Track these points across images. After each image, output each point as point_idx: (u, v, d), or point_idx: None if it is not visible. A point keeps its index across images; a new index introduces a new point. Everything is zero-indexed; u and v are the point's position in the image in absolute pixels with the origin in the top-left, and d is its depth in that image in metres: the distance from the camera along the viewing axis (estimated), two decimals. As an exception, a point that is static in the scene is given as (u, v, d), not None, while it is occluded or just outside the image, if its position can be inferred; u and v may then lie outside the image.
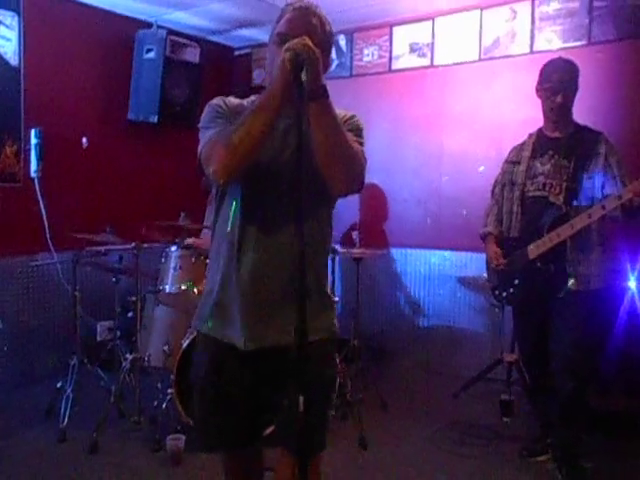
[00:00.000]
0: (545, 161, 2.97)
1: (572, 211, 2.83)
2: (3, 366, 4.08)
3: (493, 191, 3.27)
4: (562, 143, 2.95)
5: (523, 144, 3.12)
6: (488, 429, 3.50)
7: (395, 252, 4.78)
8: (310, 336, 1.49)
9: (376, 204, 4.80)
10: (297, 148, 1.48)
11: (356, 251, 3.95)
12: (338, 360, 1.97)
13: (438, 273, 4.61)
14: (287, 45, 1.57)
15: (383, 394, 3.90)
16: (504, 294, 3.11)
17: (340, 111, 1.72)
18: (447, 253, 4.55)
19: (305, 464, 1.49)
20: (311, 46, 1.55)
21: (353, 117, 1.84)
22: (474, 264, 4.24)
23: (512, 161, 3.13)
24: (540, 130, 3.07)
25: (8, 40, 4.05)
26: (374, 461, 3.19)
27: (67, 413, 3.33)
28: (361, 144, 1.78)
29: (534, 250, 2.92)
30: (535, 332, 3.07)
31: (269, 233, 1.76)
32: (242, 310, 1.76)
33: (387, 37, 4.74)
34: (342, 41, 4.95)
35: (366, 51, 4.84)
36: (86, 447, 3.15)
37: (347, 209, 4.46)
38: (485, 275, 3.28)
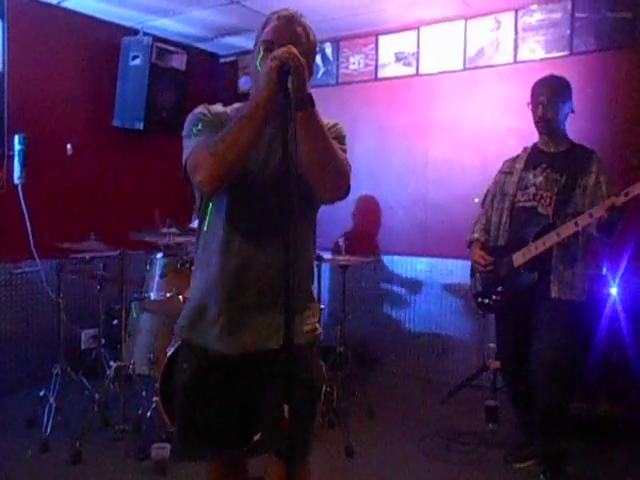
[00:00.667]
0: (537, 173, 3.02)
1: (559, 222, 2.86)
2: (-16, 375, 4.03)
3: (484, 200, 3.31)
4: (555, 158, 3.00)
5: (517, 157, 3.18)
6: (474, 435, 3.50)
7: (382, 259, 4.80)
8: (294, 340, 1.51)
9: (363, 212, 4.81)
10: (283, 157, 1.48)
11: (342, 258, 3.95)
12: (324, 367, 1.97)
13: (424, 280, 4.64)
14: (273, 54, 1.59)
15: (370, 401, 3.89)
16: (486, 301, 3.13)
17: (323, 119, 1.72)
18: (433, 260, 4.57)
19: (292, 470, 1.50)
20: (297, 55, 1.56)
21: (336, 125, 1.86)
22: (460, 271, 4.27)
23: (505, 172, 3.18)
24: (535, 145, 3.14)
25: (-8, 45, 4.02)
26: (360, 469, 3.18)
27: (50, 422, 3.29)
28: (344, 151, 1.81)
29: (519, 258, 2.95)
30: (516, 340, 3.09)
31: (253, 241, 1.78)
32: (225, 316, 1.78)
33: (373, 46, 4.77)
34: (328, 49, 4.98)
35: (352, 59, 4.87)
36: (69, 457, 3.10)
37: (334, 217, 4.47)
38: (470, 280, 3.31)
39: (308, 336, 1.84)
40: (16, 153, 3.99)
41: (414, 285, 4.70)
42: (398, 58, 4.68)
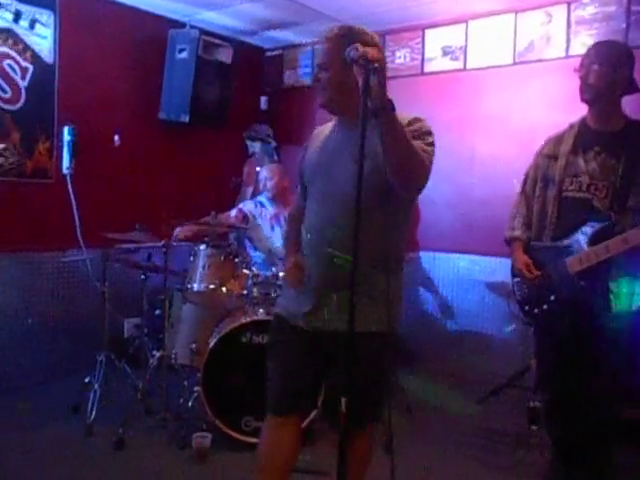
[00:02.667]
0: (590, 158, 2.58)
1: (620, 220, 2.48)
2: (32, 361, 4.14)
3: (523, 187, 2.92)
4: (610, 139, 2.56)
5: (562, 136, 2.74)
6: (515, 437, 3.43)
7: (424, 256, 4.74)
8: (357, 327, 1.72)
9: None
10: (359, 155, 1.56)
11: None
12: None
13: (467, 278, 4.57)
14: (365, 49, 1.62)
15: (408, 398, 3.86)
16: (536, 310, 2.74)
17: (403, 115, 1.80)
18: (476, 257, 4.49)
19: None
20: (382, 56, 1.63)
21: (416, 122, 1.95)
22: (504, 269, 4.15)
23: (548, 155, 2.75)
24: (583, 120, 2.67)
25: (44, 38, 4.11)
26: (398, 465, 3.15)
27: (94, 408, 3.36)
28: (430, 144, 1.94)
29: (575, 264, 2.55)
30: (566, 362, 2.69)
31: (323, 230, 1.99)
32: (306, 295, 2.04)
33: (419, 40, 4.71)
34: (373, 43, 4.93)
35: (398, 53, 4.82)
36: (112, 443, 3.17)
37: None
38: (511, 282, 3.15)
39: (373, 326, 1.95)
40: (65, 144, 4.06)
41: (455, 282, 4.63)
42: (445, 52, 4.61)
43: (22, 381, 4.04)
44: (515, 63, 4.31)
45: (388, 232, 1.98)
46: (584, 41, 4.01)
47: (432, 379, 4.49)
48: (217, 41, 4.76)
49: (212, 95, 4.74)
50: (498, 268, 4.34)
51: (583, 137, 2.63)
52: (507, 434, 3.49)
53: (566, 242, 2.63)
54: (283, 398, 2.13)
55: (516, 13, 4.28)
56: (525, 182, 2.91)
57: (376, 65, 1.56)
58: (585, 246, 2.54)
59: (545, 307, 2.68)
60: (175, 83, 4.66)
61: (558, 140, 2.74)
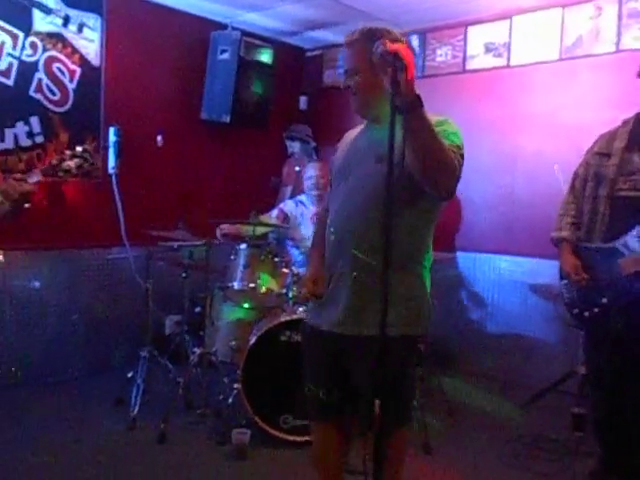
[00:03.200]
0: None
1: None
2: (77, 355, 4.25)
3: (572, 185, 2.84)
4: None
5: (615, 132, 2.66)
6: (559, 444, 3.35)
7: (464, 256, 4.68)
8: (363, 329, 1.87)
9: (447, 207, 4.68)
10: (388, 153, 1.52)
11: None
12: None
13: (508, 279, 4.48)
14: (392, 45, 1.59)
15: (448, 400, 3.82)
16: (586, 314, 2.64)
17: (431, 116, 1.75)
18: (518, 259, 4.41)
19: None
20: (410, 54, 1.59)
21: (443, 123, 1.89)
22: (547, 271, 4.08)
23: (600, 152, 2.67)
24: (638, 116, 2.60)
25: (91, 41, 4.21)
26: (438, 467, 3.13)
27: (137, 402, 3.43)
28: (458, 147, 1.86)
29: (629, 265, 2.47)
30: (615, 358, 2.60)
31: (345, 231, 1.97)
32: (329, 300, 2.03)
33: (461, 37, 4.65)
34: (415, 41, 4.90)
35: (439, 51, 4.77)
36: (154, 436, 3.23)
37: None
38: (559, 284, 3.08)
39: (396, 330, 1.85)
40: (111, 144, 4.17)
41: (496, 284, 4.55)
42: (488, 49, 4.54)
43: (67, 375, 4.16)
44: (562, 59, 4.21)
45: (411, 234, 1.96)
46: (636, 35, 3.88)
47: (473, 382, 4.42)
48: (258, 42, 4.80)
49: (253, 95, 4.79)
50: (541, 270, 4.25)
51: (638, 134, 2.55)
52: (550, 440, 3.40)
53: (618, 243, 2.55)
54: (318, 405, 2.16)
55: (563, 7, 4.18)
56: (574, 180, 2.82)
57: (404, 60, 1.54)
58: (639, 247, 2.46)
59: (596, 310, 2.60)
60: (217, 84, 4.72)
61: (611, 137, 2.66)
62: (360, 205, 1.94)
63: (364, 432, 1.94)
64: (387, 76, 1.56)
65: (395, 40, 1.86)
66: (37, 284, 4.08)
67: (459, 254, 4.68)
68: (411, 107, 1.59)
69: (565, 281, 2.80)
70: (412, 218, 1.94)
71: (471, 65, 4.64)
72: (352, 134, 2.18)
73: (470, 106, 4.63)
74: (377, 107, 1.97)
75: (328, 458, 2.23)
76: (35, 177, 2.25)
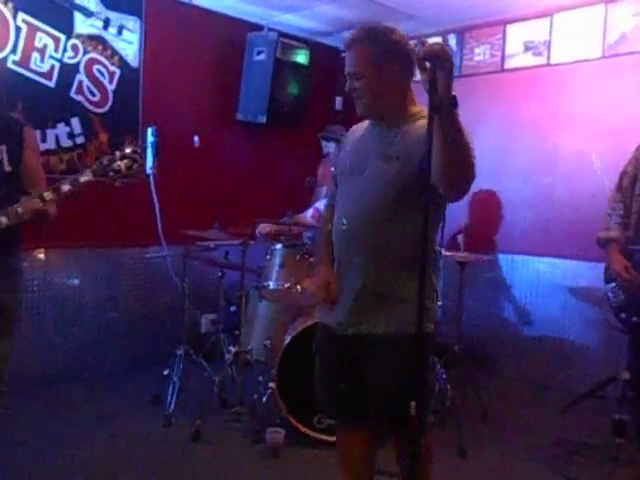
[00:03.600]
0: None
1: None
2: (114, 352, 4.32)
3: (620, 184, 2.81)
4: None
5: None
6: (599, 450, 3.26)
7: (502, 258, 4.61)
8: (381, 324, 1.91)
9: (483, 207, 4.65)
10: (427, 154, 1.51)
11: (460, 255, 3.83)
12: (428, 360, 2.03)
13: (547, 282, 4.40)
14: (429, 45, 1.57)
15: (483, 404, 3.76)
16: (635, 319, 2.61)
17: None
18: (558, 261, 4.32)
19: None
20: (448, 51, 1.56)
21: None
22: (587, 274, 4.01)
23: None
24: None
25: (130, 43, 4.28)
26: (473, 472, 3.08)
27: (173, 400, 3.47)
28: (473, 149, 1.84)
29: None
30: None
31: (352, 231, 1.97)
32: (340, 301, 2.03)
33: (500, 35, 4.58)
34: (452, 40, 4.85)
35: (477, 50, 4.71)
36: (190, 434, 3.25)
37: (452, 212, 4.37)
38: (602, 287, 2.96)
39: (395, 327, 1.93)
40: (149, 144, 4.21)
41: (535, 286, 4.47)
42: (527, 47, 4.46)
43: (105, 371, 4.23)
44: (604, 57, 4.12)
45: (417, 234, 1.93)
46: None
47: (509, 386, 4.36)
48: (294, 43, 4.81)
49: (289, 96, 4.81)
50: (581, 272, 4.17)
51: None
52: (589, 446, 3.33)
53: None
54: (332, 406, 2.18)
55: (606, 4, 4.09)
56: (622, 178, 2.77)
57: (444, 61, 1.52)
58: None
59: None
60: (253, 85, 4.75)
61: None
62: (369, 204, 1.94)
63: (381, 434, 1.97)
64: (425, 76, 1.54)
65: (399, 41, 1.91)
66: (76, 282, 4.17)
67: (497, 256, 4.61)
68: (447, 107, 1.57)
69: (613, 284, 2.74)
70: (420, 218, 1.93)
71: (510, 64, 4.57)
72: (357, 131, 2.16)
73: (508, 105, 4.57)
74: (383, 107, 1.97)
75: (353, 459, 2.22)
76: (85, 176, 2.29)
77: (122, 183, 2.39)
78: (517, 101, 4.52)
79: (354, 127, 2.20)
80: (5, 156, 2.36)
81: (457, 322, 3.79)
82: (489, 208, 4.65)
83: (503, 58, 4.59)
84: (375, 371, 1.96)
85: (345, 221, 2.00)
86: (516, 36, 4.52)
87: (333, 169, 2.23)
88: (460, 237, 3.89)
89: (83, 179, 2.30)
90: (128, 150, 2.35)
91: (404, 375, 1.89)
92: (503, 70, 4.60)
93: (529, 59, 4.46)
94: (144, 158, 2.40)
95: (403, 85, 1.96)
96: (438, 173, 1.64)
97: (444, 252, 3.81)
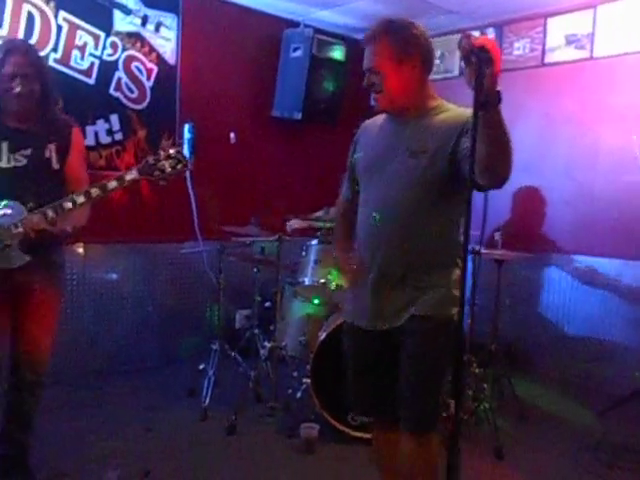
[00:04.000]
0: None
1: None
2: (151, 346, 4.39)
3: None
4: None
5: None
6: (640, 454, 3.19)
7: (541, 256, 4.51)
8: (405, 313, 1.93)
9: (521, 204, 4.56)
10: (471, 149, 1.49)
11: (498, 253, 3.77)
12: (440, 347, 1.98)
13: (587, 280, 4.29)
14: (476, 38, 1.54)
15: (521, 404, 3.70)
16: None
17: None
18: (598, 259, 4.22)
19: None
20: (495, 45, 1.52)
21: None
22: (629, 272, 3.91)
23: None
24: None
25: (168, 40, 4.33)
26: (510, 473, 3.03)
27: (208, 394, 3.49)
28: None
29: None
30: None
31: (380, 227, 1.97)
32: (364, 295, 2.04)
33: (541, 29, 4.48)
34: (490, 35, 4.77)
35: (517, 44, 4.61)
36: (225, 427, 3.28)
37: (492, 210, 4.30)
38: None
39: (427, 310, 1.94)
40: (185, 141, 4.25)
41: (575, 285, 4.37)
42: (569, 41, 4.35)
43: (142, 364, 4.30)
44: (650, 49, 3.99)
45: (443, 228, 1.97)
46: None
47: (548, 386, 4.27)
48: (331, 39, 4.80)
49: (324, 92, 4.80)
50: (623, 271, 4.07)
51: None
52: (631, 450, 3.24)
53: None
54: (365, 403, 2.18)
55: (654, -6, 3.97)
56: None
57: (490, 54, 1.48)
58: None
59: None
60: (289, 81, 4.75)
61: None
62: (399, 199, 1.94)
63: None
64: (470, 70, 1.51)
65: (418, 35, 1.92)
66: (114, 276, 4.24)
67: (535, 254, 4.52)
68: (492, 104, 1.54)
69: None
70: (447, 210, 1.96)
71: (551, 58, 4.46)
72: (374, 125, 2.13)
73: (549, 100, 4.47)
74: (403, 102, 1.97)
75: (388, 456, 2.20)
76: (131, 175, 2.33)
77: (166, 182, 2.41)
78: (557, 96, 4.42)
79: (367, 122, 2.19)
80: (54, 155, 2.44)
81: (494, 321, 3.73)
82: (528, 205, 4.56)
83: (543, 52, 4.48)
84: (406, 356, 1.96)
85: (377, 216, 1.98)
86: (557, 29, 4.41)
87: (351, 165, 2.20)
88: (498, 235, 3.82)
89: (129, 177, 2.34)
90: (173, 150, 2.39)
91: (431, 361, 1.95)
92: (543, 64, 4.50)
93: (571, 53, 4.35)
94: (188, 159, 2.42)
95: (422, 80, 1.97)
96: (480, 165, 1.62)
97: (481, 250, 3.76)
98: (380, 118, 2.11)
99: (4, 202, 2.30)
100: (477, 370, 3.54)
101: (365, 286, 2.02)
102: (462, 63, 1.56)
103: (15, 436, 2.55)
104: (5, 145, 2.36)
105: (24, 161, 2.38)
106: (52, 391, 2.78)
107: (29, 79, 2.36)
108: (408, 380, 1.95)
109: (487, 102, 1.52)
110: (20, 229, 2.26)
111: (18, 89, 2.32)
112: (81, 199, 2.31)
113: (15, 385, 2.52)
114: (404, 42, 1.90)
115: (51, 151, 2.44)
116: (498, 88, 1.54)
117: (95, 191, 2.31)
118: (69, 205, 2.29)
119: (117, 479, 2.73)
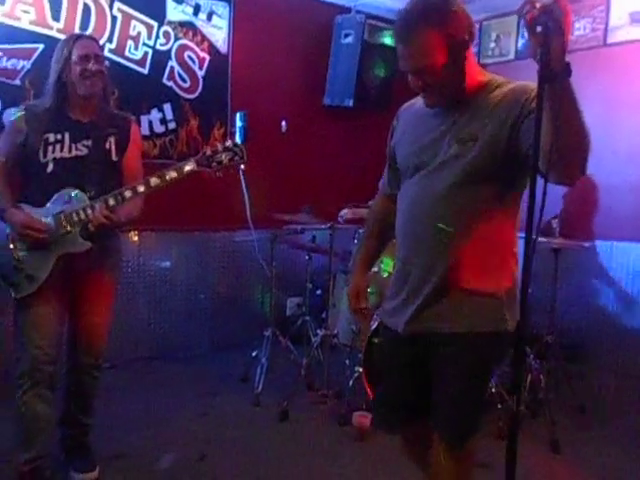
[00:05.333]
0: None
1: None
2: (204, 332, 4.46)
3: None
4: None
5: None
6: None
7: (600, 244, 4.36)
8: (439, 325, 1.73)
9: (580, 191, 4.40)
10: (535, 133, 1.34)
11: (555, 241, 3.66)
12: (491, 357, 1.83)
13: (649, 270, 4.13)
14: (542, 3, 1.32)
15: (579, 396, 3.60)
16: None
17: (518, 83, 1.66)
18: (662, 248, 4.05)
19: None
20: (565, 9, 1.31)
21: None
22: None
23: None
24: None
25: (219, 29, 4.35)
26: (567, 467, 2.95)
27: (261, 380, 3.53)
28: None
29: None
30: None
31: (411, 221, 1.81)
32: (400, 298, 1.85)
33: (603, 7, 4.29)
34: (548, 15, 4.60)
35: (577, 24, 4.42)
36: (277, 414, 3.31)
37: (549, 196, 4.17)
38: None
39: (463, 327, 1.74)
40: (237, 129, 4.26)
41: (636, 274, 4.21)
42: (634, 19, 4.14)
43: (194, 351, 4.37)
44: None
45: (498, 223, 1.75)
46: None
47: (606, 378, 4.13)
48: (382, 24, 4.73)
49: (376, 79, 4.74)
50: (690, 260, 3.88)
51: None
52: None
53: None
54: (389, 412, 2.00)
55: None
56: None
57: (559, 21, 1.30)
58: None
59: None
60: (340, 68, 4.71)
61: None
62: (442, 194, 1.73)
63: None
64: (536, 40, 1.33)
65: (460, 16, 1.63)
66: (167, 264, 4.31)
67: (595, 242, 4.37)
68: (562, 76, 1.36)
69: None
70: (501, 206, 1.74)
71: (614, 38, 4.27)
72: (414, 110, 1.89)
73: (611, 83, 4.29)
74: (456, 90, 1.72)
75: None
76: (189, 166, 2.36)
77: (222, 174, 2.42)
78: (621, 77, 4.23)
79: (406, 106, 1.96)
80: (113, 147, 2.50)
81: (550, 311, 3.62)
82: (587, 192, 4.40)
83: (606, 32, 4.29)
84: (440, 372, 1.79)
85: (419, 214, 1.78)
86: (621, 7, 4.21)
87: (390, 154, 1.98)
88: (555, 222, 3.71)
89: (187, 168, 2.37)
90: (228, 143, 2.41)
91: (469, 380, 1.77)
92: (606, 44, 4.31)
93: (636, 32, 4.14)
94: (245, 151, 2.43)
95: (470, 56, 1.71)
96: (546, 154, 1.40)
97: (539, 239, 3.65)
98: (420, 102, 1.85)
99: (66, 190, 2.36)
100: (533, 362, 3.45)
101: (404, 289, 1.82)
102: (525, 33, 1.40)
103: (76, 418, 2.62)
104: (67, 135, 2.42)
105: (85, 151, 2.43)
106: (108, 375, 2.85)
107: (101, 60, 2.44)
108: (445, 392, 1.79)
109: (556, 75, 1.35)
110: (82, 216, 2.31)
111: (94, 68, 2.38)
112: (141, 188, 2.35)
113: (74, 368, 2.60)
114: (448, 27, 1.61)
115: (111, 143, 2.49)
116: (567, 60, 1.35)
117: (154, 180, 2.35)
118: (129, 194, 2.34)
119: (172, 462, 2.79)
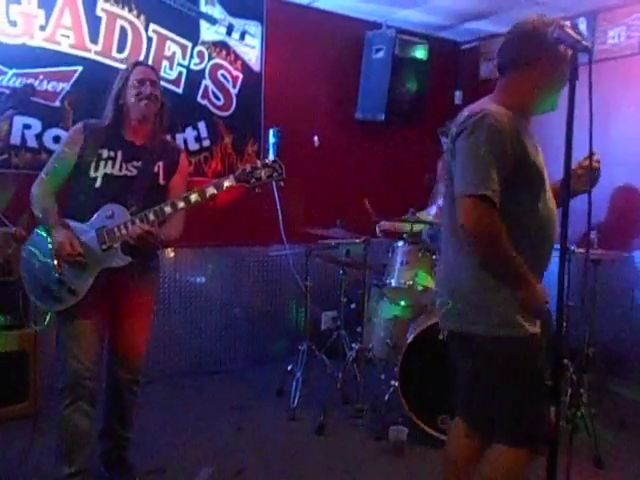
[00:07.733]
0: None
1: None
2: (239, 347, 4.49)
3: None
4: None
5: None
6: None
7: (638, 255, 4.26)
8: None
9: (619, 202, 4.32)
10: (566, 148, 1.49)
11: (594, 252, 3.59)
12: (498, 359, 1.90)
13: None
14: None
15: (621, 410, 3.51)
16: None
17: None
18: None
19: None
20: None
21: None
22: None
23: None
24: None
25: (252, 47, 4.42)
26: (613, 483, 2.88)
27: (297, 394, 3.53)
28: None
29: None
30: None
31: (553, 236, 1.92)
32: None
33: (638, 15, 4.21)
34: (582, 25, 4.55)
35: (611, 33, 4.37)
36: (313, 428, 3.31)
37: (585, 208, 4.11)
38: None
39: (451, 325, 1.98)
40: (270, 145, 4.33)
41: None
42: (670, 27, 4.10)
43: (230, 365, 4.41)
44: None
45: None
46: None
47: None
48: (413, 39, 4.75)
49: (408, 93, 4.75)
50: None
51: None
52: None
53: None
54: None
55: None
56: None
57: (586, 43, 1.47)
58: None
59: None
60: (372, 83, 4.74)
61: None
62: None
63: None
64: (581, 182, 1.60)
65: (531, 34, 1.89)
66: (202, 279, 4.36)
67: (635, 253, 4.28)
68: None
69: None
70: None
71: (649, 46, 4.21)
72: (515, 123, 1.86)
73: (647, 91, 4.22)
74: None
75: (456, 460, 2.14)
76: (229, 182, 2.41)
77: (260, 190, 2.46)
78: (657, 85, 4.17)
79: (506, 123, 1.83)
80: (161, 171, 2.56)
81: (590, 323, 3.55)
82: (625, 203, 4.31)
83: (641, 40, 4.25)
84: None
85: (552, 226, 1.92)
86: (656, 15, 4.16)
87: (519, 164, 1.85)
88: (594, 234, 3.64)
89: (227, 184, 2.41)
90: (267, 160, 2.45)
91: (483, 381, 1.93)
92: (641, 52, 4.26)
93: (672, 39, 4.09)
94: (283, 168, 2.47)
95: None
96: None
97: (576, 250, 3.60)
98: (507, 114, 1.85)
99: (109, 206, 2.41)
100: (574, 375, 3.38)
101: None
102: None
103: (116, 432, 2.66)
104: (120, 154, 2.49)
105: (134, 172, 2.49)
106: (145, 390, 2.88)
107: (156, 85, 2.53)
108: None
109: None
110: (123, 231, 2.37)
111: (148, 91, 2.47)
112: (181, 204, 2.39)
113: (113, 384, 2.64)
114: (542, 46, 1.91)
115: (160, 168, 2.55)
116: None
117: (194, 197, 2.39)
118: (169, 209, 2.38)
119: (210, 476, 2.81)
